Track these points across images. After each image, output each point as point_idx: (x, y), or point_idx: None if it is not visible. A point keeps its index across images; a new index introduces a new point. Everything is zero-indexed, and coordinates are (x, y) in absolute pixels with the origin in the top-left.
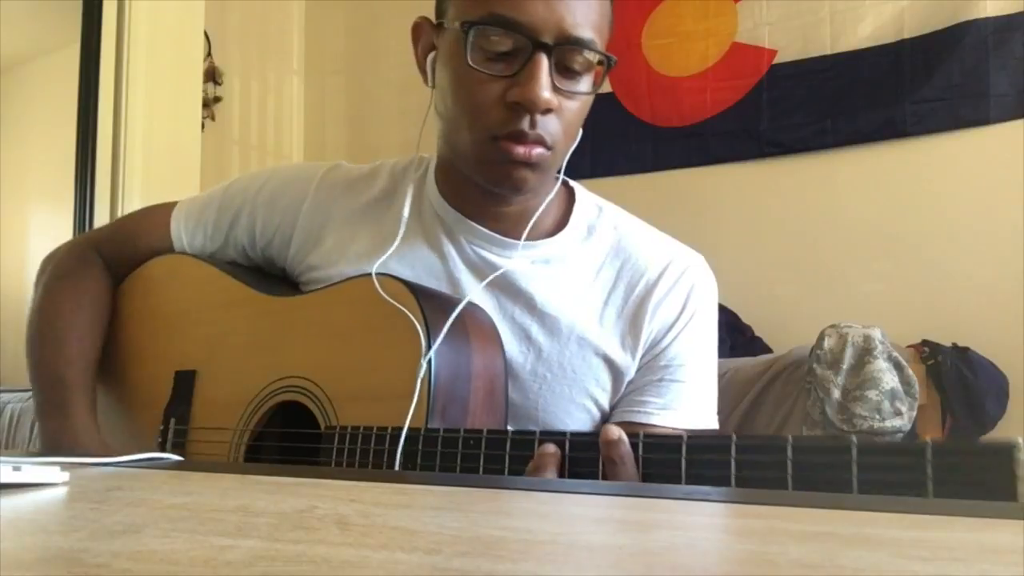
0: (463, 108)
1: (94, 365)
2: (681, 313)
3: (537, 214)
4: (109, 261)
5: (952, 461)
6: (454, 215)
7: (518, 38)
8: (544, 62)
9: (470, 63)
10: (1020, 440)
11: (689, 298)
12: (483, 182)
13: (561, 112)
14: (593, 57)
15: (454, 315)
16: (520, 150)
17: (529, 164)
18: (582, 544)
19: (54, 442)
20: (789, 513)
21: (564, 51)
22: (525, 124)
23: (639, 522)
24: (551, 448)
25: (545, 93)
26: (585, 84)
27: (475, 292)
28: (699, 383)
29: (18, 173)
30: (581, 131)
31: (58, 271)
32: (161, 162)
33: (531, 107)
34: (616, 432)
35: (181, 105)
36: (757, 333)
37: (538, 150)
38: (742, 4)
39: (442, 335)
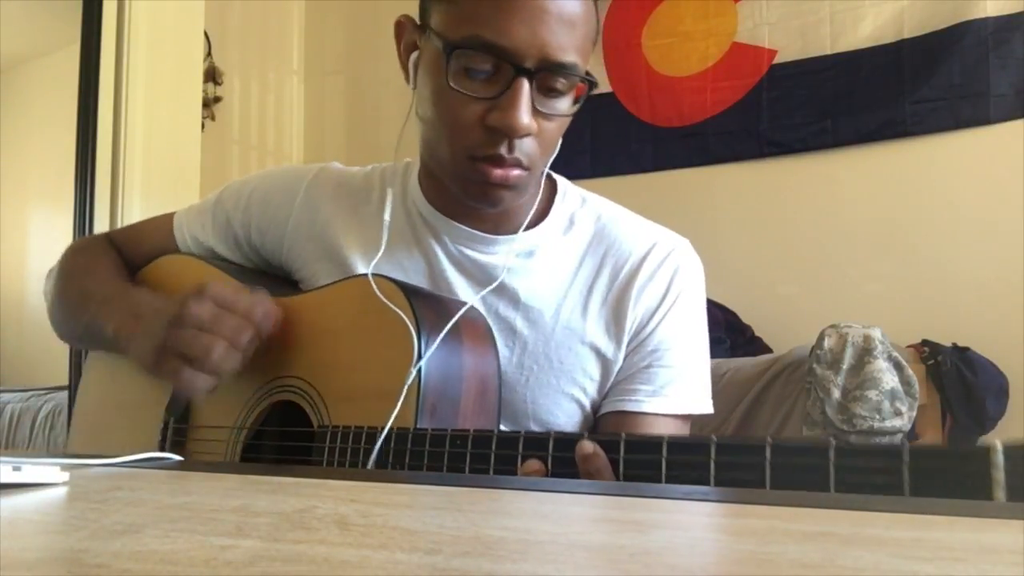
0: (442, 124)
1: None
2: (665, 296)
3: (528, 216)
4: (120, 254)
5: (929, 464)
6: (437, 216)
7: (500, 61)
8: (525, 87)
9: (451, 84)
10: (997, 443)
11: (673, 281)
12: (460, 196)
13: (540, 133)
14: (576, 78)
15: (452, 322)
16: (497, 172)
17: (506, 186)
18: (582, 544)
19: (133, 314)
20: (789, 513)
21: (546, 75)
22: (503, 149)
23: (639, 522)
24: (535, 465)
25: (524, 119)
26: (565, 103)
27: (474, 300)
28: (688, 366)
29: (18, 173)
30: (560, 143)
31: (75, 248)
32: (161, 162)
33: (510, 133)
34: (590, 446)
35: (181, 105)
36: (757, 333)
37: (515, 172)
38: (742, 4)
39: (439, 340)
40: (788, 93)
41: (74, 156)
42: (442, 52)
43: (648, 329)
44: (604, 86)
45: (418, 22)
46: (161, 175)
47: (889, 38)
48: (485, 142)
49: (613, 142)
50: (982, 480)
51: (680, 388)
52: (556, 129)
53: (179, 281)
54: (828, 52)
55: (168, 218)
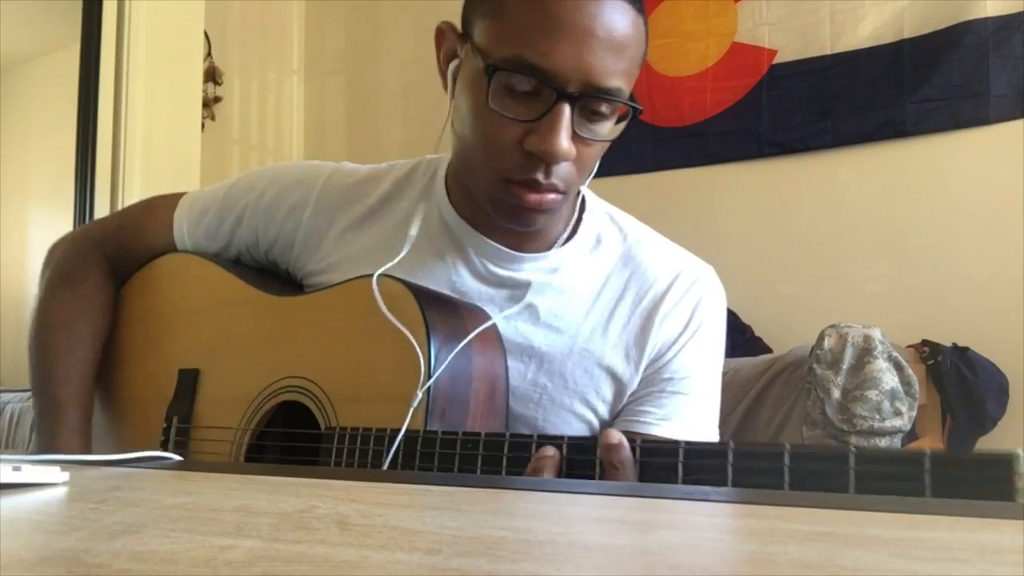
0: (478, 144)
1: (90, 377)
2: (687, 326)
3: (556, 234)
4: (111, 259)
5: (951, 471)
6: (464, 227)
7: (541, 84)
8: (566, 112)
9: (491, 106)
10: (1020, 451)
11: (696, 311)
12: (491, 214)
13: (578, 159)
14: (618, 104)
15: (469, 337)
16: (532, 197)
17: (540, 210)
18: (582, 544)
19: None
20: (789, 513)
21: (588, 100)
22: (540, 174)
23: (639, 522)
24: (551, 451)
25: (564, 145)
26: (606, 128)
27: (497, 319)
28: (701, 396)
29: (18, 173)
30: (597, 164)
31: (60, 272)
32: (161, 162)
33: (549, 159)
34: (616, 436)
35: (181, 105)
36: (757, 333)
37: (551, 196)
38: (742, 4)
39: (450, 356)
40: (788, 93)
41: (74, 156)
42: (483, 70)
43: (666, 357)
44: None
45: (459, 30)
46: (161, 175)
47: (889, 38)
48: (522, 166)
49: (613, 142)
50: (1005, 488)
51: (690, 415)
52: (595, 154)
53: (180, 281)
54: (828, 52)
55: (166, 213)
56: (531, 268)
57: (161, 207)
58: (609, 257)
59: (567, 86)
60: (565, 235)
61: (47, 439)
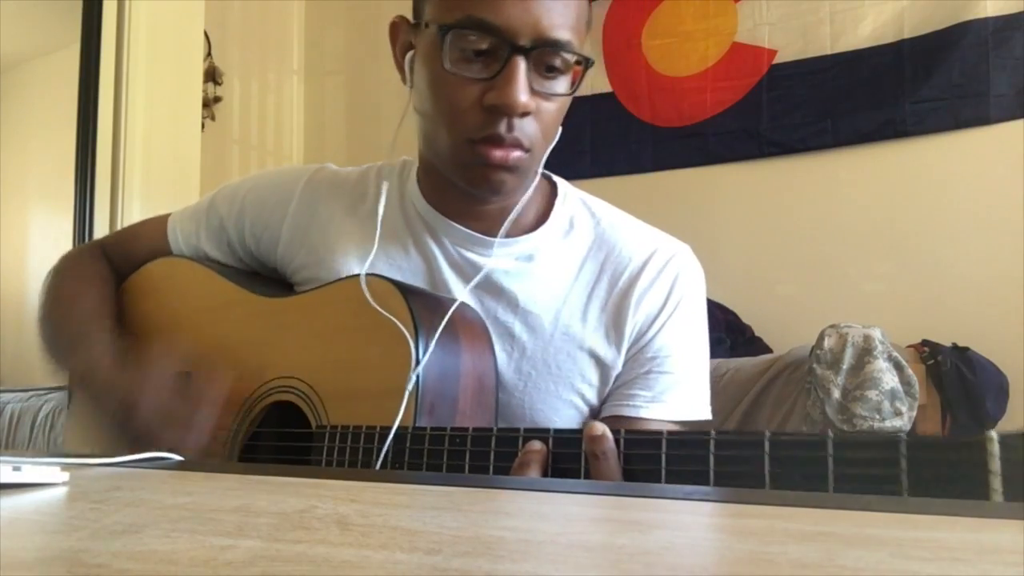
0: (440, 111)
1: (113, 319)
2: (666, 303)
3: (516, 211)
4: (112, 262)
5: (926, 455)
6: (435, 215)
7: (495, 40)
8: (521, 65)
9: (447, 67)
10: (993, 434)
11: (674, 287)
12: (461, 184)
13: (539, 114)
14: (571, 58)
15: (446, 319)
16: (497, 154)
17: (507, 167)
18: (582, 544)
19: (82, 379)
20: (789, 513)
21: (541, 53)
22: (502, 128)
23: (639, 522)
24: (537, 445)
25: (522, 97)
26: (563, 84)
27: (463, 296)
28: (688, 374)
29: (18, 173)
30: (560, 130)
31: (66, 262)
32: (161, 162)
33: (508, 111)
34: (600, 428)
35: (181, 105)
36: (757, 333)
37: (516, 153)
38: (742, 4)
39: (434, 341)
40: (788, 93)
41: (74, 156)
42: (437, 37)
43: (648, 336)
44: (604, 86)
45: (412, 22)
46: (161, 175)
47: (889, 38)
48: (484, 123)
49: (613, 142)
50: (978, 469)
51: (679, 395)
52: (555, 111)
53: (169, 286)
54: (828, 52)
55: (162, 221)
56: (503, 254)
57: (155, 219)
58: (583, 241)
59: (519, 39)
60: (537, 221)
61: (82, 359)
